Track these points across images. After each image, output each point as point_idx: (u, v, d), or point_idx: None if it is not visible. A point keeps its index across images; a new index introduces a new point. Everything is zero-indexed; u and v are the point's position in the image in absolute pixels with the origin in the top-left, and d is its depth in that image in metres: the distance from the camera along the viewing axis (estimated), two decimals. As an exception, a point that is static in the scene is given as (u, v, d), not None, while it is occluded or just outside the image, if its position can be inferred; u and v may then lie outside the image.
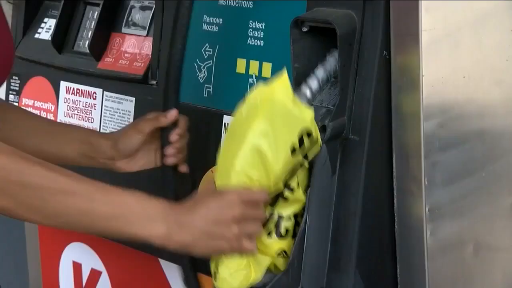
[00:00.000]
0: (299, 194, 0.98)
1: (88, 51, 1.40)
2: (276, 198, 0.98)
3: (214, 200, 0.99)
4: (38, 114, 1.51)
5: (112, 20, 1.41)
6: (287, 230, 0.99)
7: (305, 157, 0.95)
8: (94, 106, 1.40)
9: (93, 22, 1.42)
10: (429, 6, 0.95)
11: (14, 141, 1.17)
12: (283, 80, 0.93)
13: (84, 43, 1.43)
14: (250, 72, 1.17)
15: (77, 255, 1.53)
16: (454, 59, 1.01)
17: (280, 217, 0.99)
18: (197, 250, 0.99)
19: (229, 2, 1.17)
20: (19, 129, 1.22)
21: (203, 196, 1.04)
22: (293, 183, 0.97)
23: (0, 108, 1.27)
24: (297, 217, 1.00)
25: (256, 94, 0.96)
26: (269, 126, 0.92)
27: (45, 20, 1.51)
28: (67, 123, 1.46)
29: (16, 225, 1.78)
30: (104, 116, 1.39)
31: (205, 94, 1.24)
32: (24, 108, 1.51)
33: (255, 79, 1.16)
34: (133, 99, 1.35)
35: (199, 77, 1.25)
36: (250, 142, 0.93)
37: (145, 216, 0.99)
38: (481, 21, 1.03)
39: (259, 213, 0.99)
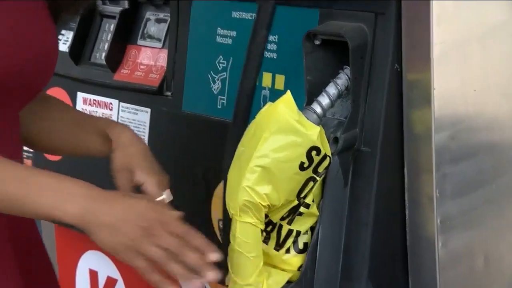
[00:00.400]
0: (314, 209, 0.99)
1: (104, 62, 1.40)
2: (292, 215, 0.98)
3: (131, 200, 1.01)
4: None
5: (128, 33, 1.41)
6: (305, 244, 1.00)
7: (316, 172, 0.96)
8: (111, 117, 1.40)
9: (110, 34, 1.42)
10: (440, 19, 0.95)
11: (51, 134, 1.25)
12: (288, 100, 0.94)
13: (100, 55, 1.43)
14: (264, 84, 1.17)
15: (94, 263, 1.53)
16: (464, 72, 1.01)
17: (297, 233, 0.99)
18: (101, 238, 0.99)
19: (243, 14, 1.17)
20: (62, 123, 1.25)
21: (124, 194, 1.08)
22: (309, 200, 0.97)
23: (45, 101, 1.27)
24: (313, 229, 1.00)
25: (263, 113, 0.97)
26: (275, 144, 0.93)
27: (63, 32, 1.50)
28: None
29: None
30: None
31: (219, 105, 1.24)
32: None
33: (268, 91, 1.17)
34: (149, 110, 1.35)
35: (213, 89, 1.25)
36: (257, 159, 0.93)
37: (60, 195, 1.00)
38: (490, 34, 1.04)
39: (167, 232, 0.99)
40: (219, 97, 1.24)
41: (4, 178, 1.02)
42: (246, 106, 1.02)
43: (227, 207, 0.99)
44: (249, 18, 1.17)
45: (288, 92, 0.95)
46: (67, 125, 1.26)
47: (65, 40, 1.48)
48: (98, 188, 1.02)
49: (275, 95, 1.11)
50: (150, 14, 1.39)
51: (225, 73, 1.23)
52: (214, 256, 0.98)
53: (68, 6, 1.22)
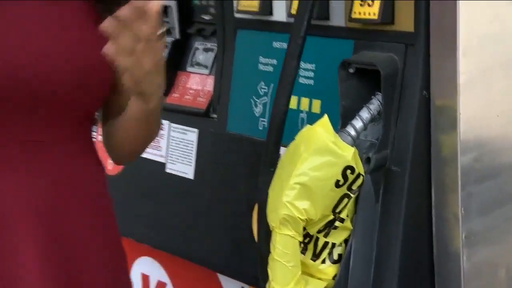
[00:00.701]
0: (348, 223, 0.99)
1: None
2: (327, 228, 0.98)
3: None
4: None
5: (178, 60, 1.42)
6: (339, 255, 1.00)
7: (350, 189, 0.96)
8: (162, 136, 1.41)
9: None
10: (466, 51, 0.95)
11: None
12: (325, 123, 0.95)
13: None
14: (301, 108, 1.17)
15: (146, 268, 1.55)
16: (488, 98, 1.00)
17: (333, 245, 0.99)
18: None
19: (283, 45, 1.16)
20: None
21: None
22: (343, 215, 0.97)
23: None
24: (347, 242, 1.00)
25: (302, 135, 0.98)
26: (313, 163, 0.94)
27: None
28: None
29: None
30: (171, 145, 1.40)
31: (260, 127, 1.24)
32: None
33: (305, 114, 1.17)
34: (196, 130, 1.36)
35: (255, 112, 1.25)
36: (296, 176, 0.94)
37: None
38: None
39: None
40: (260, 119, 1.24)
41: None
42: (278, 129, 1.01)
43: (268, 220, 0.99)
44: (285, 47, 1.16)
45: (325, 116, 0.96)
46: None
47: None
48: None
49: (312, 118, 1.12)
50: (198, 44, 1.40)
51: (266, 97, 1.24)
52: None
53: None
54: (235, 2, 1.25)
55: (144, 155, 1.43)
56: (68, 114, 1.12)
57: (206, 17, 1.38)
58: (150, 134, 1.17)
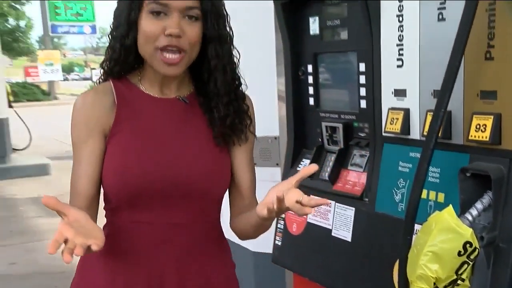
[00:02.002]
0: (467, 282, 0.96)
1: (327, 179, 1.42)
2: (451, 285, 0.95)
3: None
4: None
5: (342, 162, 1.41)
6: None
7: (469, 258, 0.94)
8: (330, 211, 1.41)
9: (331, 162, 1.43)
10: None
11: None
12: (450, 210, 0.95)
13: (325, 174, 1.44)
14: (430, 198, 1.15)
15: None
16: None
17: None
18: None
19: (417, 155, 1.15)
20: None
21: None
22: (464, 276, 0.95)
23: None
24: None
25: (432, 218, 0.97)
26: (441, 238, 0.94)
27: (303, 160, 1.53)
28: (310, 222, 1.45)
29: (278, 274, 1.73)
30: (335, 217, 1.40)
31: (399, 209, 1.23)
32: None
33: (433, 203, 1.14)
34: (353, 208, 1.35)
35: (395, 199, 1.24)
36: (429, 246, 0.94)
37: None
38: None
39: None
40: (399, 204, 1.23)
41: None
42: (414, 211, 1.02)
43: (407, 275, 0.99)
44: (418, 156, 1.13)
45: (450, 205, 0.96)
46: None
47: (304, 164, 1.50)
48: None
49: (438, 206, 1.11)
50: (356, 151, 1.40)
51: (403, 189, 1.22)
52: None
53: (237, 137, 1.16)
54: (383, 125, 1.24)
55: (317, 223, 1.45)
56: (205, 204, 1.13)
57: (362, 134, 1.37)
58: (262, 232, 1.18)
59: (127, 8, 1.06)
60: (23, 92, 20.07)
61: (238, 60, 1.16)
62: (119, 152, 1.08)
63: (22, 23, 23.67)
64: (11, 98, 8.22)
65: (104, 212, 1.15)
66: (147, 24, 1.05)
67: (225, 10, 1.13)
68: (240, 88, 1.18)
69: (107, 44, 1.13)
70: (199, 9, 1.06)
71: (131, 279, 1.10)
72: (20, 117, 7.69)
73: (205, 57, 1.11)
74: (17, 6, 22.74)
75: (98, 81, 1.16)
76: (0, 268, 4.08)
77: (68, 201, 1.06)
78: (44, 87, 24.03)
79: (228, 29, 1.13)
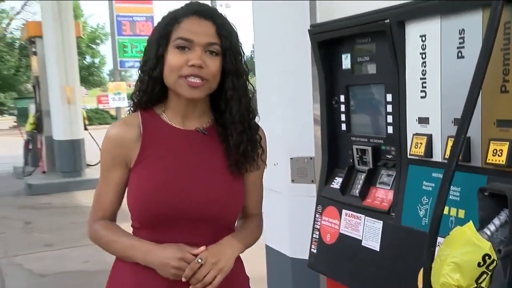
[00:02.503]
0: None
1: (357, 195, 1.40)
2: None
3: (168, 251, 1.04)
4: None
5: (371, 180, 1.40)
6: None
7: (487, 268, 0.91)
8: (360, 224, 1.39)
9: (361, 180, 1.42)
10: None
11: None
12: (470, 226, 0.93)
13: (355, 191, 1.42)
14: (451, 214, 1.13)
15: None
16: None
17: None
18: (160, 272, 1.05)
19: (439, 175, 1.14)
20: None
21: (165, 246, 1.07)
22: (483, 285, 0.92)
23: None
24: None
25: (454, 232, 0.95)
26: (463, 250, 0.91)
27: (336, 178, 1.52)
28: (343, 233, 1.43)
29: (313, 278, 1.72)
30: (365, 229, 1.37)
31: (423, 223, 1.20)
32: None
33: (454, 219, 1.12)
34: (381, 222, 1.33)
35: (419, 214, 1.22)
36: (452, 257, 0.92)
37: (139, 252, 1.07)
38: None
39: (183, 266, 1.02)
40: (423, 218, 1.20)
41: (124, 243, 1.11)
42: (437, 225, 1.00)
43: (431, 282, 0.96)
44: (440, 177, 1.10)
45: (471, 221, 0.93)
46: None
47: (337, 183, 1.49)
48: (151, 244, 1.07)
49: (458, 222, 1.09)
50: (383, 171, 1.38)
51: (427, 206, 1.20)
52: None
53: (249, 164, 1.16)
54: (408, 149, 1.23)
55: (348, 234, 1.42)
56: (218, 226, 1.13)
57: (389, 156, 1.35)
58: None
59: (156, 44, 1.08)
60: (96, 117, 20.93)
61: (253, 94, 1.17)
62: (141, 180, 1.09)
63: (96, 60, 24.81)
64: (86, 122, 8.56)
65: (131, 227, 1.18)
66: (173, 57, 1.06)
67: (242, 49, 1.14)
68: (254, 120, 1.17)
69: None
70: (219, 46, 1.07)
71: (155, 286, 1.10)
72: (93, 138, 8.00)
73: (223, 90, 1.11)
74: (93, 46, 23.89)
75: (128, 111, 1.18)
76: (75, 266, 4.26)
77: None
78: (113, 112, 24.93)
79: (244, 66, 1.13)
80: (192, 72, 1.04)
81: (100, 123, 21.65)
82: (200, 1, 1.14)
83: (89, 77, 24.02)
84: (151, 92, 1.10)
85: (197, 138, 1.12)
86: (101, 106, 24.70)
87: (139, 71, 1.12)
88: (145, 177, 1.08)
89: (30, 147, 8.85)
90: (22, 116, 10.15)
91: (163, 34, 1.07)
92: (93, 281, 3.78)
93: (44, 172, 8.44)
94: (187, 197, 1.07)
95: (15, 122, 12.10)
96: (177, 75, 1.05)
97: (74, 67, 8.01)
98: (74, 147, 7.92)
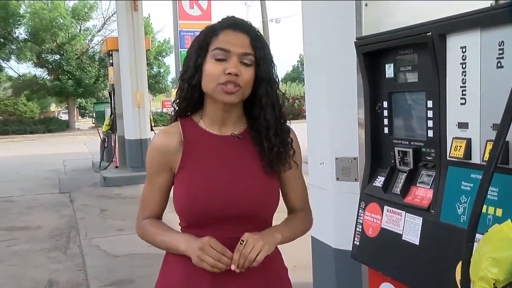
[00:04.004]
0: None
1: (399, 193, 1.39)
2: (509, 286, 0.90)
3: (198, 242, 1.04)
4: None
5: (411, 179, 1.37)
6: None
7: None
8: (400, 219, 1.38)
9: (402, 179, 1.40)
10: None
11: None
12: (508, 224, 0.91)
13: (396, 189, 1.41)
14: (489, 212, 1.10)
15: None
16: None
17: None
18: (193, 259, 1.04)
19: (478, 176, 1.11)
20: None
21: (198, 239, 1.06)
22: None
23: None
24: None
25: (493, 230, 0.94)
26: (500, 246, 0.90)
27: (379, 177, 1.50)
28: (384, 227, 1.41)
29: (356, 268, 1.70)
30: (405, 225, 1.35)
31: (461, 220, 1.18)
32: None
33: (491, 217, 1.09)
34: (421, 218, 1.31)
35: (458, 211, 1.20)
36: (490, 253, 0.90)
37: (182, 242, 1.07)
38: None
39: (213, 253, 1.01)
40: (461, 216, 1.18)
41: (166, 235, 1.12)
42: (475, 222, 0.98)
43: (470, 275, 0.95)
44: (479, 177, 1.07)
45: (509, 220, 0.92)
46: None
47: (380, 181, 1.48)
48: (192, 237, 1.07)
49: (496, 220, 1.06)
50: (423, 172, 1.34)
51: (465, 204, 1.17)
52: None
53: (282, 165, 1.14)
54: (448, 151, 1.21)
55: (389, 228, 1.40)
56: (257, 221, 1.12)
57: (429, 158, 1.32)
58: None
59: (195, 54, 1.08)
60: (160, 119, 21.73)
61: (284, 101, 1.16)
62: (184, 185, 1.10)
63: (161, 70, 25.82)
64: (153, 124, 8.92)
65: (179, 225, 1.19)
66: (211, 67, 1.06)
67: (273, 60, 1.13)
68: (285, 124, 1.16)
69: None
70: (253, 56, 1.07)
71: (200, 277, 1.10)
72: (159, 138, 8.23)
73: (257, 97, 1.11)
74: (159, 58, 24.89)
75: (170, 119, 1.19)
76: (142, 249, 4.43)
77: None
78: (175, 115, 25.66)
79: (275, 75, 1.12)
80: (229, 79, 1.04)
81: (164, 124, 22.30)
82: (236, 16, 1.14)
83: (155, 84, 25.06)
84: (190, 98, 1.11)
85: (232, 143, 1.12)
86: (165, 110, 25.66)
87: (179, 79, 1.13)
88: (188, 181, 1.09)
89: (106, 145, 9.34)
90: (99, 118, 10.73)
91: (202, 46, 1.08)
92: (158, 262, 3.93)
93: (116, 167, 8.89)
94: (227, 198, 1.07)
95: (93, 123, 12.81)
96: (215, 83, 1.06)
97: (144, 76, 8.40)
98: (142, 145, 8.29)
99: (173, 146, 1.11)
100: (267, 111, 1.10)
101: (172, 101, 1.19)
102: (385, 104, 1.51)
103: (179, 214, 1.13)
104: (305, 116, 2.10)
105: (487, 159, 1.00)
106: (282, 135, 1.13)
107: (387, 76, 1.48)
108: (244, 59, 1.07)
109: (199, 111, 1.15)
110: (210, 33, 1.09)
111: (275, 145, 1.11)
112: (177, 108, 1.16)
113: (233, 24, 1.09)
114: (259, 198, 1.10)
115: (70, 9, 23.18)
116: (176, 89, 1.16)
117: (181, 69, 1.15)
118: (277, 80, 1.13)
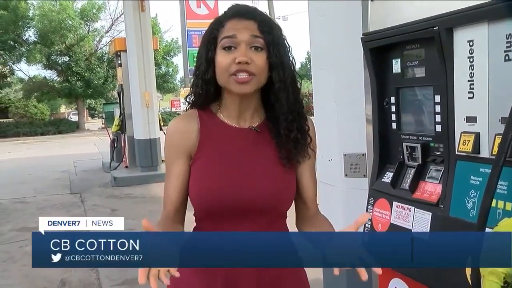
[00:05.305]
0: None
1: (408, 188, 1.40)
2: None
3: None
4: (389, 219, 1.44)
5: (420, 175, 1.38)
6: None
7: None
8: (409, 215, 1.38)
9: (411, 175, 1.40)
10: None
11: None
12: None
13: (405, 184, 1.42)
14: (498, 207, 1.10)
15: (398, 285, 1.48)
16: None
17: None
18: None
19: (487, 170, 1.11)
20: None
21: None
22: None
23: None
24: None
25: (503, 223, 0.96)
26: None
27: (387, 173, 1.51)
28: (393, 223, 1.42)
29: None
30: (414, 220, 1.36)
31: (471, 215, 1.18)
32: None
33: (501, 211, 1.09)
34: (430, 213, 1.31)
35: (467, 206, 1.20)
36: None
37: None
38: None
39: None
40: (471, 210, 1.19)
41: None
42: (485, 217, 1.00)
43: (480, 271, 0.95)
44: (488, 172, 1.08)
45: None
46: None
47: (388, 177, 1.47)
48: None
49: (506, 214, 1.07)
50: (432, 167, 1.36)
51: (474, 198, 1.18)
52: None
53: (301, 157, 1.10)
54: (456, 146, 1.21)
55: (398, 224, 1.41)
56: (273, 215, 1.09)
57: (438, 153, 1.33)
58: None
59: (205, 49, 1.07)
60: (169, 119, 21.73)
61: (300, 86, 1.13)
62: (201, 175, 1.07)
63: (170, 69, 25.94)
64: (162, 123, 8.96)
65: (194, 217, 1.15)
66: (221, 58, 1.04)
67: (287, 42, 1.08)
68: (302, 110, 1.12)
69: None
70: (263, 39, 1.04)
71: (212, 274, 1.07)
72: (168, 137, 8.28)
73: (272, 83, 1.07)
74: (167, 58, 25.02)
75: (186, 109, 1.15)
76: (153, 247, 4.47)
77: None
78: (184, 115, 25.81)
79: (290, 57, 1.08)
80: (240, 68, 1.01)
81: (173, 124, 22.39)
82: (240, 3, 1.11)
83: (163, 84, 25.19)
84: (205, 94, 1.08)
85: (250, 135, 1.10)
86: (174, 109, 25.82)
87: (193, 76, 1.10)
88: (203, 172, 1.07)
89: (116, 145, 9.43)
90: (109, 118, 10.82)
91: (210, 39, 1.07)
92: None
93: (126, 166, 8.97)
94: (242, 191, 1.05)
95: (103, 124, 12.94)
96: (227, 74, 1.03)
97: (152, 76, 8.46)
98: (151, 145, 8.36)
99: (191, 128, 1.09)
100: (281, 97, 1.07)
101: (186, 95, 1.15)
102: (393, 99, 1.51)
103: (193, 205, 1.10)
104: (314, 113, 2.11)
105: (495, 153, 1.01)
106: (300, 121, 1.10)
107: (394, 71, 1.48)
108: (253, 43, 1.03)
109: (216, 102, 1.12)
110: (216, 25, 1.08)
111: (292, 131, 1.08)
112: (190, 102, 1.13)
113: (238, 12, 1.07)
114: (276, 192, 1.08)
115: (78, 10, 23.43)
116: (190, 86, 1.14)
117: (193, 68, 1.15)
118: (292, 62, 1.08)
